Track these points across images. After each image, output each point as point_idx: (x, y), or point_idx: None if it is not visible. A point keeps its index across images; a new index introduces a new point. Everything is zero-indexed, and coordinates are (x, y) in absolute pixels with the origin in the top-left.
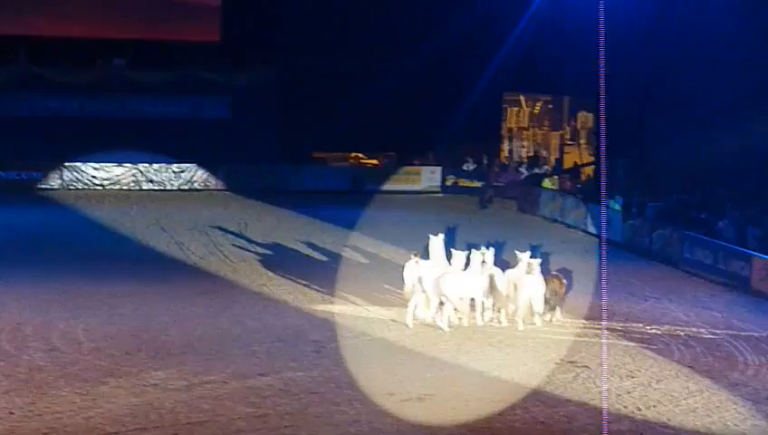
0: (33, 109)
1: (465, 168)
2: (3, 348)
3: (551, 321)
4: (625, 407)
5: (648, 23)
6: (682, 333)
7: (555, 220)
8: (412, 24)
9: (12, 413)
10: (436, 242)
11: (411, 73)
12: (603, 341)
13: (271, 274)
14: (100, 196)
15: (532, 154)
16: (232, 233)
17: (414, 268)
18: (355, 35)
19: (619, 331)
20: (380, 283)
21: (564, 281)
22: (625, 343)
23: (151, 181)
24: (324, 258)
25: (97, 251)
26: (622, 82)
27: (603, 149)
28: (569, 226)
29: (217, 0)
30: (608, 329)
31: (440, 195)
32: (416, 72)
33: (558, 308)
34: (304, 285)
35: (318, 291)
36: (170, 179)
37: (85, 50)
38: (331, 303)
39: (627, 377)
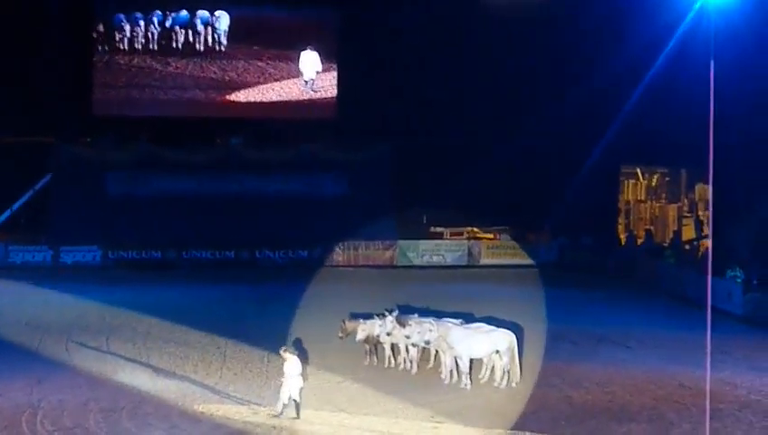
0: (153, 188)
1: (581, 241)
2: (123, 426)
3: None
4: None
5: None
6: None
7: (674, 293)
8: (527, 97)
9: None
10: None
11: (527, 146)
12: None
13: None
14: (217, 276)
15: (649, 227)
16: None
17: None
18: (469, 110)
19: (742, 404)
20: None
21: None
22: (748, 417)
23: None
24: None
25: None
26: (738, 150)
27: (713, 219)
28: (687, 299)
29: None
30: (730, 402)
31: (557, 269)
32: (532, 144)
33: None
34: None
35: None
36: (289, 256)
37: (203, 129)
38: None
39: None
